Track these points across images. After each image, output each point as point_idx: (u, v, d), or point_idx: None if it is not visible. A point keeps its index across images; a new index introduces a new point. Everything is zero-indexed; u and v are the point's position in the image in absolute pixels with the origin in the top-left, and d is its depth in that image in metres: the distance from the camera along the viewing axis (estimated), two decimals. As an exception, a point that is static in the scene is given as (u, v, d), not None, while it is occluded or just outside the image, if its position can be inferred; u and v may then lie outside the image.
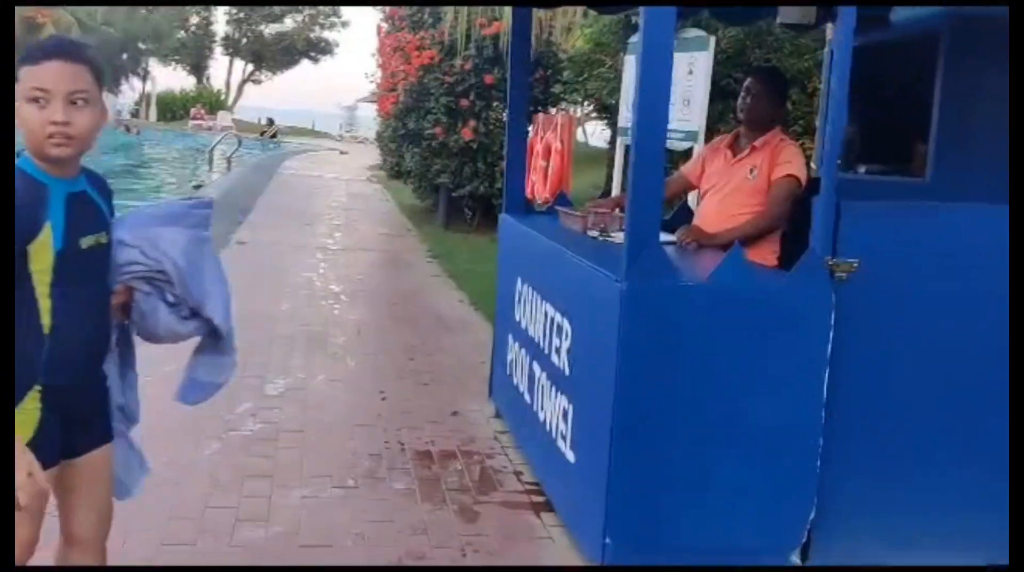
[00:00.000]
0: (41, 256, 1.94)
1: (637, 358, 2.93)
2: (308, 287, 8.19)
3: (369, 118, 32.18)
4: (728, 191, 4.08)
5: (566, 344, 3.47)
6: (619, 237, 3.91)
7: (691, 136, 7.75)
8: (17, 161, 1.94)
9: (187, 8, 50.79)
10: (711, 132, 8.92)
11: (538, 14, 11.19)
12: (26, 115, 1.93)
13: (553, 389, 3.64)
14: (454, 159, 12.29)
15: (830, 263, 3.05)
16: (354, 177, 22.10)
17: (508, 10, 11.80)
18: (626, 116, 9.06)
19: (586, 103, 14.57)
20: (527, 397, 4.07)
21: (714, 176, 4.21)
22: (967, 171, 4.25)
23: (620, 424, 2.94)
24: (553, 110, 12.01)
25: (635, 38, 9.27)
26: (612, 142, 12.55)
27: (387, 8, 13.84)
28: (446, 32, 11.91)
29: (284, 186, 18.04)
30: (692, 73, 8.60)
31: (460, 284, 8.73)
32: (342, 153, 32.55)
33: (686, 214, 4.89)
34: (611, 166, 12.76)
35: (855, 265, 3.07)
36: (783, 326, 3.04)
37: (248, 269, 8.30)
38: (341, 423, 4.62)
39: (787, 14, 4.94)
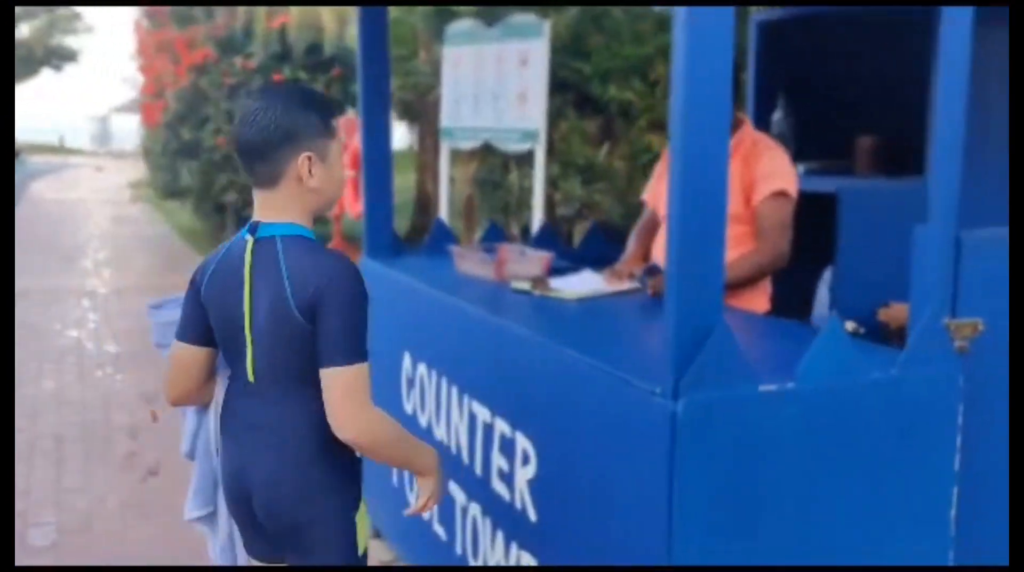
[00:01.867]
0: None
1: (702, 511, 1.73)
2: (76, 352, 6.39)
3: (129, 129, 29.10)
4: None
5: (527, 473, 2.22)
6: (569, 291, 2.69)
7: (530, 136, 6.65)
8: (302, 233, 1.75)
9: None
10: (553, 131, 7.92)
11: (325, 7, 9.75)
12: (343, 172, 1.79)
13: (499, 533, 2.38)
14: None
15: (951, 326, 1.98)
16: (116, 198, 19.50)
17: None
18: (450, 114, 7.87)
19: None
20: (438, 529, 2.78)
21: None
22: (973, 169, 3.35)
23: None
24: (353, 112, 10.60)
25: (456, 28, 8.09)
26: (422, 143, 11.34)
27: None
28: (223, 27, 10.21)
29: (32, 215, 15.39)
30: (527, 64, 7.51)
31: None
32: (98, 170, 29.21)
33: (597, 242, 3.75)
34: (422, 171, 11.57)
35: (980, 326, 2.02)
36: (898, 433, 1.93)
37: (-9, 333, 6.38)
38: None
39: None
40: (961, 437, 1.98)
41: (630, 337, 2.37)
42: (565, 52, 7.64)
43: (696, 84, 1.67)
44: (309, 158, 1.73)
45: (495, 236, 3.58)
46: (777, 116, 3.93)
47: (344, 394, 1.66)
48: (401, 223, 11.74)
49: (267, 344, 1.73)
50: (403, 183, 10.90)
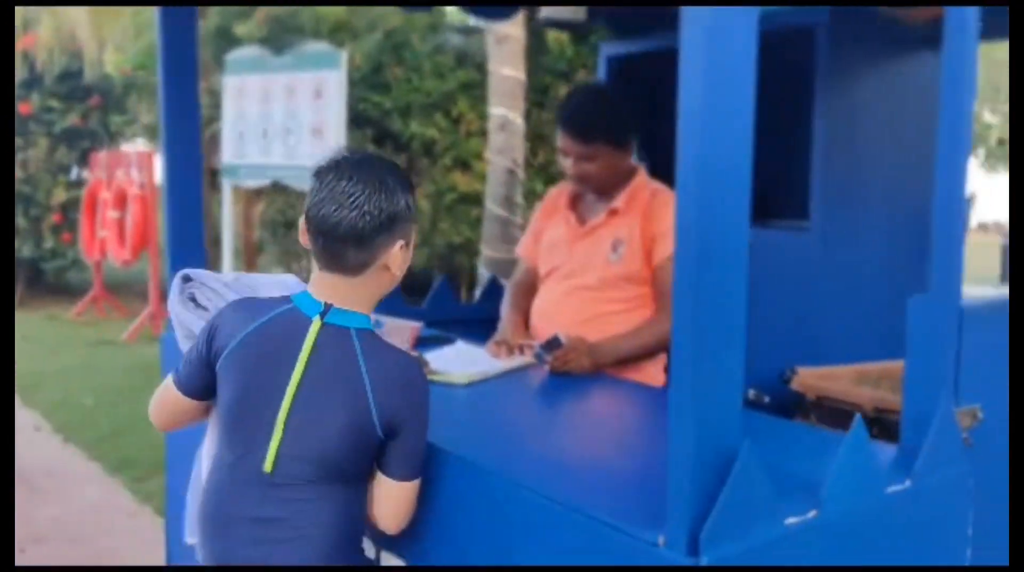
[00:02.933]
0: None
1: None
2: None
3: None
4: (584, 279, 2.52)
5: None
6: (458, 373, 2.17)
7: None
8: (373, 329, 1.64)
9: None
10: (353, 169, 7.34)
11: (82, 26, 8.67)
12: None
13: None
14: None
15: (958, 415, 1.66)
16: None
17: (45, 17, 9.10)
18: (233, 150, 7.11)
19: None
20: None
21: (555, 252, 2.62)
22: (857, 211, 3.16)
23: None
24: (127, 146, 9.52)
25: (239, 55, 7.33)
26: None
27: None
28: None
29: None
30: (321, 96, 6.92)
31: (26, 397, 6.09)
32: None
33: (445, 298, 3.26)
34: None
35: (979, 414, 1.72)
36: (915, 543, 1.58)
37: None
38: None
39: (552, 9, 3.54)
40: (972, 529, 1.67)
41: (574, 444, 1.86)
42: (364, 84, 7.12)
43: (715, 117, 1.23)
44: (403, 246, 1.61)
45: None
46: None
47: (404, 507, 1.64)
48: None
49: (312, 443, 1.57)
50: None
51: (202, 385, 1.69)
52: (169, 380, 1.73)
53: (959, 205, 1.64)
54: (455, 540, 1.63)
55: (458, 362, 2.29)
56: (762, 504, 1.30)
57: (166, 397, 1.74)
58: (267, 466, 1.58)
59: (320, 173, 1.58)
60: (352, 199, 1.55)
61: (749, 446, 1.27)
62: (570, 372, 2.24)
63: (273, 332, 1.61)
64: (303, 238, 1.63)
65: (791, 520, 1.36)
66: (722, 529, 1.25)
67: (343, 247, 1.57)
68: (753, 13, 1.25)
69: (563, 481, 1.51)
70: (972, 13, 1.60)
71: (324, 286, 1.62)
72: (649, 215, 2.49)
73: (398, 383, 1.58)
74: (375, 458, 1.61)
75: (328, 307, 1.60)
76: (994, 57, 11.55)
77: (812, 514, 1.39)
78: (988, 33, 1.75)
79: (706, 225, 1.24)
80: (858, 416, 1.46)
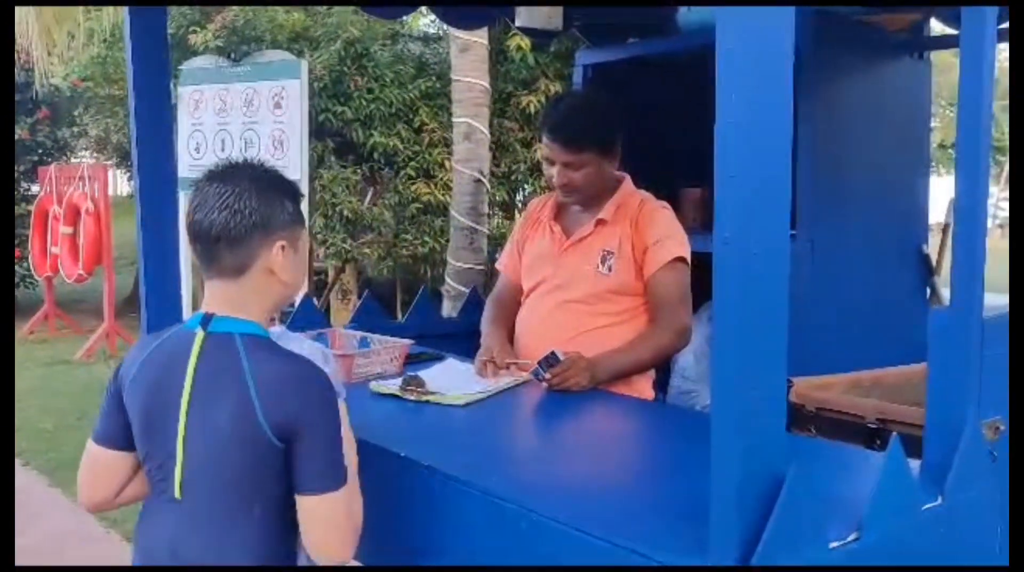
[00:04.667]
0: None
1: None
2: None
3: None
4: (573, 293, 2.44)
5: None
6: (455, 393, 2.08)
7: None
8: (264, 334, 1.57)
9: None
10: (315, 179, 7.20)
11: (29, 37, 8.43)
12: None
13: None
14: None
15: (984, 428, 1.63)
16: None
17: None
18: (189, 162, 6.96)
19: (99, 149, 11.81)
20: None
21: (540, 265, 2.54)
22: (844, 218, 3.15)
23: None
24: (76, 159, 9.27)
25: (194, 64, 7.17)
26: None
27: None
28: None
29: None
30: (282, 107, 6.79)
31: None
32: None
33: (426, 311, 3.18)
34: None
35: (1001, 426, 1.69)
36: (949, 560, 1.53)
37: None
38: None
39: (528, 16, 3.48)
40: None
41: (589, 466, 1.77)
42: (324, 95, 7.00)
43: (753, 130, 1.17)
44: (283, 247, 1.56)
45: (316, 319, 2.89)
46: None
47: (336, 524, 1.49)
48: (124, 282, 10.39)
49: (208, 459, 1.51)
50: (125, 236, 9.62)
51: (117, 429, 1.61)
52: (88, 443, 1.66)
53: (980, 217, 1.60)
54: (471, 573, 1.55)
55: (452, 380, 2.21)
56: (808, 529, 1.25)
57: (87, 462, 1.66)
58: (176, 492, 1.54)
59: (198, 182, 1.56)
60: (222, 200, 1.53)
61: (796, 471, 1.21)
62: (568, 389, 2.17)
63: (163, 354, 1.57)
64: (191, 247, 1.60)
65: (834, 544, 1.31)
66: (772, 557, 1.19)
67: (217, 249, 1.54)
68: (790, 13, 1.20)
69: (586, 508, 1.44)
70: (990, 14, 1.56)
71: (210, 295, 1.59)
72: (639, 225, 2.43)
73: (289, 386, 1.48)
74: (283, 476, 1.49)
75: (210, 317, 1.55)
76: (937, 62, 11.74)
77: (853, 537, 1.33)
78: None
79: (747, 243, 1.18)
80: (895, 435, 1.41)
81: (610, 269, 2.42)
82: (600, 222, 2.46)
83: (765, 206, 1.20)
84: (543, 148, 2.47)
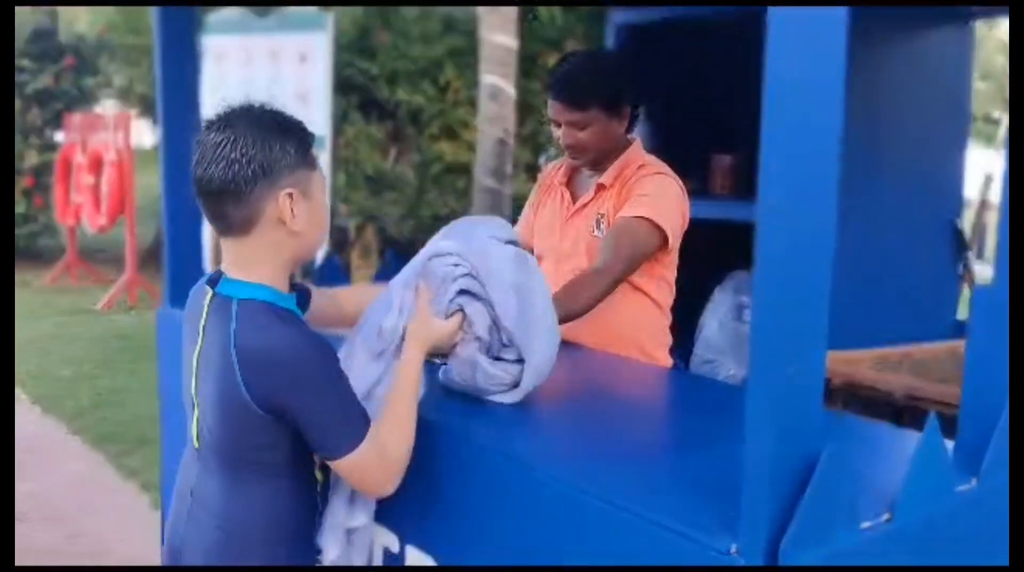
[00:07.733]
0: None
1: None
2: None
3: None
4: (573, 263, 2.34)
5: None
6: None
7: (314, 142, 5.84)
8: (266, 298, 1.50)
9: None
10: (338, 135, 7.16)
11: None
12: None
13: None
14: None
15: (1020, 413, 1.57)
16: None
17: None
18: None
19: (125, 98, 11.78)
20: None
21: (547, 233, 2.45)
22: (871, 191, 3.08)
23: None
24: (99, 108, 9.26)
25: (220, 15, 7.11)
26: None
27: None
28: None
29: None
30: (307, 60, 6.75)
31: None
32: None
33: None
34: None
35: (1038, 407, 1.63)
36: (983, 547, 1.50)
37: None
38: None
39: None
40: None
41: (612, 435, 1.73)
42: (350, 50, 6.93)
43: (800, 124, 1.12)
44: (291, 195, 1.45)
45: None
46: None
47: (369, 475, 1.49)
48: (146, 233, 10.42)
49: (211, 416, 1.50)
50: (148, 187, 9.64)
51: None
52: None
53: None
54: (493, 540, 1.53)
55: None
56: (842, 510, 1.21)
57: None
58: (195, 442, 1.57)
59: (199, 134, 1.46)
60: (219, 151, 1.42)
61: (831, 450, 1.17)
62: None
63: (190, 309, 1.58)
64: None
65: (865, 524, 1.27)
66: (804, 537, 1.15)
67: (221, 205, 1.46)
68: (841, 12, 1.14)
69: (611, 478, 1.41)
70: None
71: (224, 253, 1.52)
72: (631, 189, 2.28)
73: (265, 364, 1.43)
74: (282, 440, 1.47)
75: (219, 276, 1.51)
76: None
77: (885, 517, 1.30)
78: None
79: (793, 221, 1.13)
80: (932, 414, 1.37)
81: (602, 232, 2.31)
82: (600, 187, 2.36)
83: (813, 173, 1.15)
84: (549, 108, 2.37)
